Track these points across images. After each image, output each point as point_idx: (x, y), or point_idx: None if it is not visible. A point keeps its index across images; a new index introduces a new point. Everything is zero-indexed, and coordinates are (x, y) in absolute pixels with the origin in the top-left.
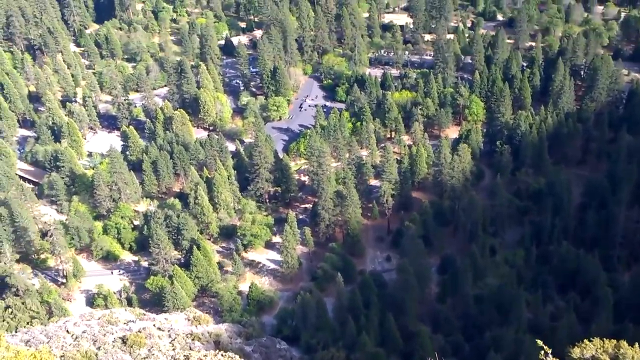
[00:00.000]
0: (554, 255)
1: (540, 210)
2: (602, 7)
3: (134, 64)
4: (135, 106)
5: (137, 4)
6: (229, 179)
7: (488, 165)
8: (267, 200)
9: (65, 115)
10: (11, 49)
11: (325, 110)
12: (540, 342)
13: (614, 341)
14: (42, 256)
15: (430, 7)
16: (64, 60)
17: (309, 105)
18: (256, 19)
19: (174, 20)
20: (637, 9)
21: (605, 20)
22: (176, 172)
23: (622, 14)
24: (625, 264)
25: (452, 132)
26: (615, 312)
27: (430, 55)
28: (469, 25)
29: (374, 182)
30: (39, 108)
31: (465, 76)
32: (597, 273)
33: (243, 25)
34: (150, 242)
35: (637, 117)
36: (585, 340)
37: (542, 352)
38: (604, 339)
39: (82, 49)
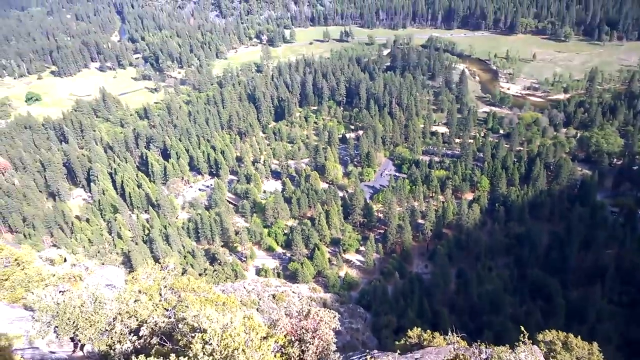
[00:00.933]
0: (529, 275)
1: (521, 247)
2: (565, 129)
3: (292, 145)
4: (291, 167)
5: (296, 112)
6: (338, 211)
7: (490, 217)
8: (359, 225)
9: (254, 169)
10: (229, 133)
11: (395, 177)
12: (522, 327)
13: (564, 333)
14: (235, 245)
15: (459, 123)
16: (255, 140)
17: (386, 174)
18: (360, 124)
19: (315, 122)
20: (587, 132)
21: (567, 137)
22: (309, 205)
23: (578, 134)
24: (575, 285)
25: (469, 196)
26: (567, 315)
27: (458, 151)
28: (482, 134)
29: (420, 221)
30: (240, 165)
31: (479, 164)
32: (556, 288)
33: (352, 127)
34: (292, 242)
35: (585, 196)
36: (546, 330)
37: (522, 334)
38: (558, 331)
39: (265, 135)
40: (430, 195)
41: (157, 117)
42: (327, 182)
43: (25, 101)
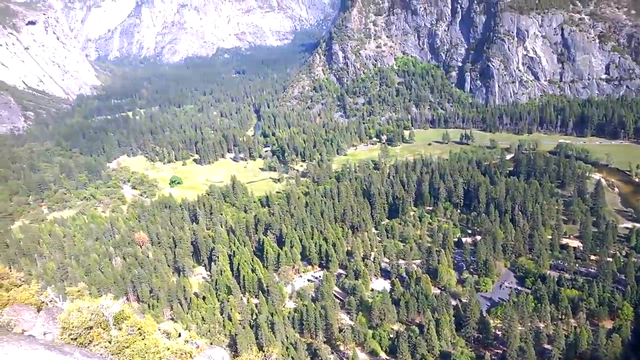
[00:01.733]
0: None
1: None
2: None
3: (404, 244)
4: (401, 267)
5: (410, 211)
6: (449, 322)
7: (635, 354)
8: (472, 341)
9: (363, 265)
10: (342, 226)
11: (516, 291)
12: None
13: None
14: (338, 343)
15: (595, 238)
16: (367, 236)
17: (506, 286)
18: (478, 229)
19: (430, 223)
20: None
21: None
22: (418, 310)
23: None
24: None
25: (607, 324)
26: None
27: (594, 269)
28: (623, 253)
29: (547, 346)
30: (350, 259)
31: (620, 287)
32: None
33: (469, 231)
34: (398, 350)
35: None
36: None
37: None
38: None
39: (378, 231)
40: (560, 317)
41: (277, 205)
42: (439, 288)
43: (169, 183)
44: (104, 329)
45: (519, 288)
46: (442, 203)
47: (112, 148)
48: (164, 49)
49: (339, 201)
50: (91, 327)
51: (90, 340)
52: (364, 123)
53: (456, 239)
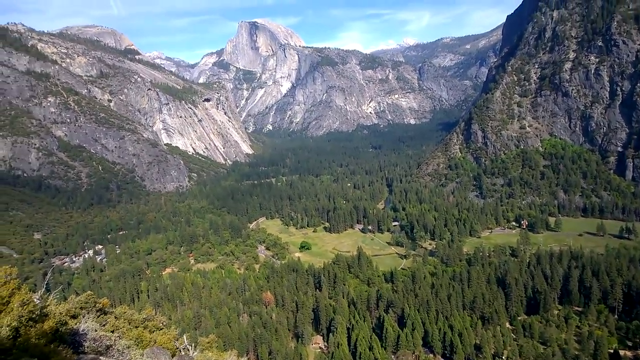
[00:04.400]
0: None
1: None
2: None
3: (545, 347)
4: None
5: (554, 309)
6: None
7: None
8: None
9: None
10: (471, 315)
11: None
12: None
13: None
14: None
15: None
16: (499, 331)
17: None
18: None
19: (578, 327)
20: None
21: None
22: None
23: None
24: None
25: None
26: None
27: None
28: None
29: None
30: (478, 354)
31: None
32: None
33: (629, 344)
34: None
35: None
36: None
37: None
38: None
39: (513, 327)
40: None
41: (401, 282)
42: None
43: (299, 248)
44: None
45: None
46: (595, 305)
47: (254, 210)
48: (310, 124)
49: (469, 287)
50: None
51: None
52: (501, 205)
53: (611, 351)
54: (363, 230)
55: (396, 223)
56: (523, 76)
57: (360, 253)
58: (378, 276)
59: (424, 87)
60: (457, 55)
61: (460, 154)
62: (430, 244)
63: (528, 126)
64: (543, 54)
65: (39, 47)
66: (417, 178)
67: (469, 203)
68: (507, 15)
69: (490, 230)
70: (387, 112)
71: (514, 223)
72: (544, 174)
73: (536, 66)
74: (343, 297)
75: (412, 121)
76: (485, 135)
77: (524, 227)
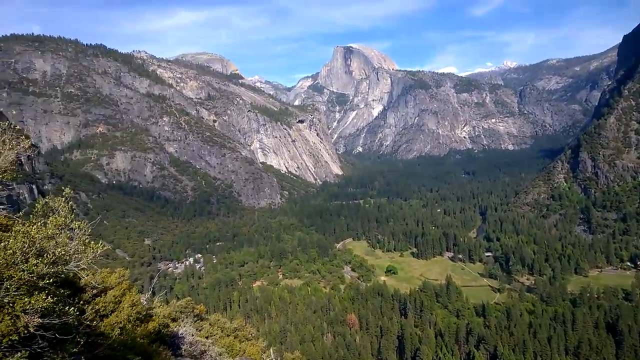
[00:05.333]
0: None
1: None
2: None
3: None
4: None
5: None
6: None
7: None
8: None
9: None
10: None
11: None
12: None
13: None
14: None
15: None
16: None
17: None
18: None
19: None
20: None
21: None
22: None
23: None
24: None
25: None
26: None
27: None
28: None
29: None
30: None
31: None
32: None
33: None
34: None
35: None
36: None
37: None
38: None
39: None
40: None
41: (494, 318)
42: None
43: (385, 272)
44: None
45: None
46: None
47: (342, 230)
48: (400, 147)
49: (572, 330)
50: None
51: None
52: (614, 242)
53: None
54: (453, 259)
55: (489, 254)
56: None
57: (449, 282)
58: (468, 309)
59: (525, 112)
60: (564, 77)
61: (565, 184)
62: (527, 279)
63: None
64: None
65: (158, 72)
66: (514, 207)
67: (575, 238)
68: (624, 35)
69: (599, 270)
70: (482, 136)
71: (628, 263)
72: None
73: None
74: (430, 327)
75: (510, 147)
76: (595, 165)
77: None
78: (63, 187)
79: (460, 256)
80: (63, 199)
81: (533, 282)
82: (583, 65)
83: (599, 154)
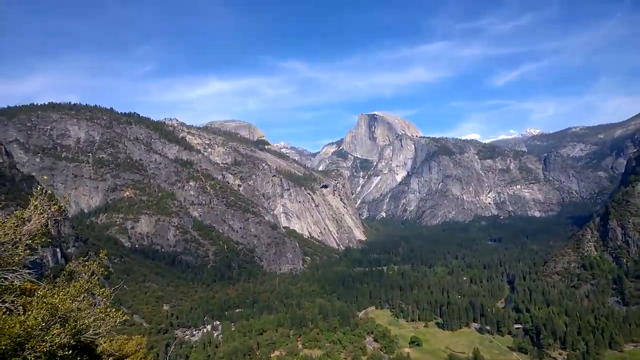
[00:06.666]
0: None
1: None
2: None
3: None
4: None
5: None
6: None
7: None
8: None
9: None
10: None
11: None
12: None
13: None
14: None
15: None
16: None
17: None
18: None
19: None
20: None
21: None
22: None
23: None
24: None
25: None
26: None
27: None
28: None
29: None
30: None
31: None
32: None
33: None
34: None
35: None
36: None
37: None
38: None
39: None
40: None
41: None
42: None
43: (409, 343)
44: None
45: None
46: None
47: (364, 298)
48: (424, 212)
49: None
50: None
51: None
52: None
53: None
54: (480, 330)
55: (519, 326)
56: None
57: (477, 356)
58: None
59: (550, 178)
60: (588, 144)
61: (595, 252)
62: (560, 354)
63: None
64: None
65: (187, 139)
66: (543, 276)
67: (608, 309)
68: None
69: (635, 344)
70: (507, 203)
71: None
72: None
73: None
74: None
75: (537, 214)
76: (625, 233)
77: None
78: (100, 250)
79: (488, 327)
80: (96, 262)
81: (566, 357)
82: (607, 132)
83: (629, 221)
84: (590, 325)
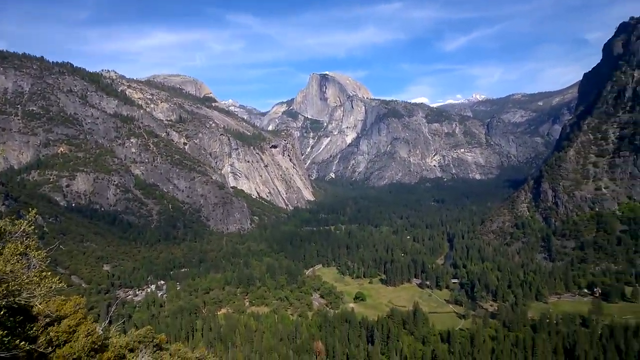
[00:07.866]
0: None
1: None
2: None
3: None
4: None
5: None
6: None
7: None
8: None
9: None
10: None
11: None
12: None
13: None
14: None
15: None
16: None
17: None
18: None
19: None
20: None
21: None
22: None
23: None
24: None
25: None
26: None
27: None
28: None
29: None
30: None
31: None
32: None
33: None
34: None
35: None
36: None
37: None
38: None
39: None
40: None
41: (459, 344)
42: None
43: (354, 299)
44: None
45: None
46: None
47: (311, 257)
48: (372, 174)
49: (533, 355)
50: None
51: None
52: (572, 270)
53: None
54: (420, 285)
55: (456, 280)
56: (600, 135)
57: (416, 309)
58: (434, 335)
59: (492, 143)
60: (528, 111)
61: (528, 213)
62: (491, 306)
63: (604, 188)
64: (623, 113)
65: (127, 93)
66: (479, 235)
67: (536, 265)
68: (584, 73)
69: (558, 296)
70: (451, 166)
71: (585, 290)
72: (621, 240)
73: (615, 126)
74: (396, 354)
75: (478, 176)
76: (556, 195)
77: (597, 295)
78: (30, 209)
79: (428, 283)
80: (26, 222)
81: (496, 308)
82: (546, 100)
83: (559, 185)
84: (519, 279)
